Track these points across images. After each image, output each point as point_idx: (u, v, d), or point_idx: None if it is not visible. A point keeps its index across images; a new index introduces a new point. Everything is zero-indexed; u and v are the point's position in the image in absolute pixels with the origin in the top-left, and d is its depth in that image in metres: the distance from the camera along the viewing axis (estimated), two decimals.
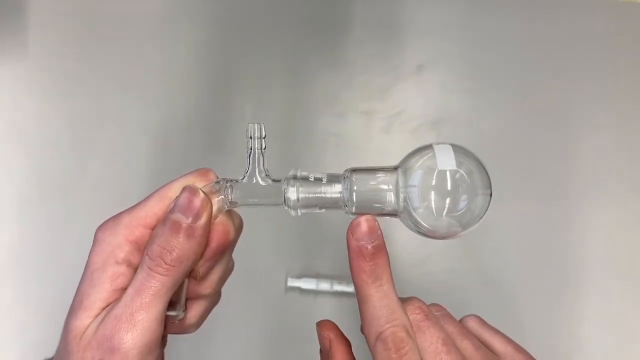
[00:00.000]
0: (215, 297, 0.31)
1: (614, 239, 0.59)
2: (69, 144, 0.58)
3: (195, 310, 0.30)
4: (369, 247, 0.26)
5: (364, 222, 0.26)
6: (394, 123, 0.61)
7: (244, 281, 0.56)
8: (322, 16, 0.63)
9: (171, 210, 0.26)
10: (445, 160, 0.25)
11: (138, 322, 0.24)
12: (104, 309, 0.25)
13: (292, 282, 0.56)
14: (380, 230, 0.26)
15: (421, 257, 0.58)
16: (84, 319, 0.25)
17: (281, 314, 0.57)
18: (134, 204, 0.28)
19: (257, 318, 0.57)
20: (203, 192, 0.26)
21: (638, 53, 0.64)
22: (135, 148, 0.59)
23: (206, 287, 0.29)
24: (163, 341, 0.30)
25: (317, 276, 0.57)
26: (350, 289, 0.56)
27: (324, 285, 0.56)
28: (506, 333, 0.32)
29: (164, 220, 0.26)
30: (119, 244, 0.26)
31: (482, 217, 0.26)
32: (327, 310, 0.57)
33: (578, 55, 0.64)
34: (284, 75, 0.62)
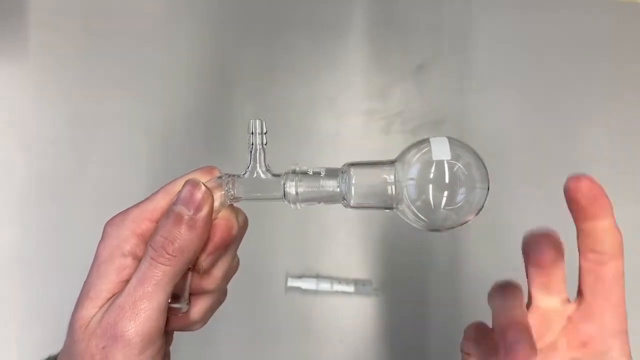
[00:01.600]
0: (220, 295, 0.31)
1: None
2: (69, 144, 0.58)
3: (199, 306, 0.30)
4: None
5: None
6: (394, 123, 0.61)
7: (244, 281, 0.56)
8: (322, 16, 0.63)
9: (174, 203, 0.27)
10: (441, 151, 0.25)
11: (140, 311, 0.25)
12: (109, 299, 0.26)
13: (292, 282, 0.56)
14: None
15: (422, 258, 0.58)
16: (90, 309, 0.26)
17: (281, 314, 0.57)
18: (141, 200, 0.29)
19: (257, 318, 0.57)
20: (205, 185, 0.27)
21: (638, 53, 0.64)
22: (135, 148, 0.59)
23: (210, 283, 0.29)
24: (169, 338, 0.30)
25: (317, 276, 0.57)
26: (350, 289, 0.56)
27: (324, 285, 0.56)
28: None
29: (167, 212, 0.27)
30: (126, 237, 0.27)
31: (479, 209, 0.26)
32: (327, 310, 0.57)
33: (578, 55, 0.64)
34: (284, 75, 0.62)
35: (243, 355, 0.56)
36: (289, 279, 0.56)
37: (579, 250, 0.27)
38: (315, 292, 0.57)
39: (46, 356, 0.30)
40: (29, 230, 0.56)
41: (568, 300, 0.28)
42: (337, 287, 0.56)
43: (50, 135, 0.58)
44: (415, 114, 0.62)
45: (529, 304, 0.29)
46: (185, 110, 0.60)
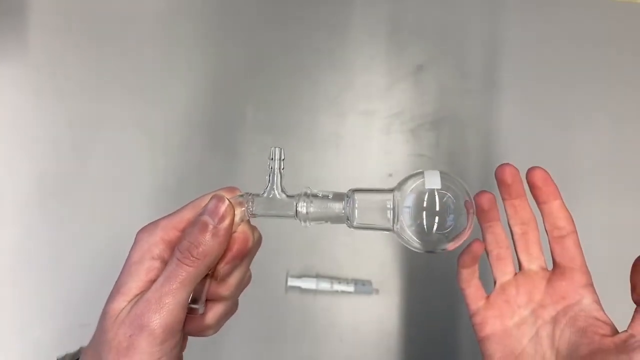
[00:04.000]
0: (233, 305, 0.35)
1: (614, 239, 0.59)
2: (69, 144, 0.58)
3: (214, 311, 0.33)
4: None
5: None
6: (394, 123, 0.61)
7: None
8: (322, 16, 0.63)
9: (201, 213, 0.30)
10: (432, 181, 0.29)
11: (165, 305, 0.28)
12: (137, 295, 0.29)
13: (292, 282, 0.56)
14: None
15: (421, 257, 0.58)
16: (121, 302, 0.29)
17: (281, 314, 0.57)
18: (171, 212, 0.32)
19: (257, 318, 0.57)
20: (229, 200, 0.31)
21: (638, 53, 0.64)
22: (135, 148, 0.59)
23: (225, 289, 0.33)
24: (183, 343, 0.33)
25: (317, 276, 0.57)
26: (350, 288, 0.56)
27: (324, 285, 0.56)
28: None
29: (194, 221, 0.30)
30: (156, 242, 0.31)
31: (468, 233, 0.30)
32: (327, 310, 0.57)
33: (578, 55, 0.64)
34: (284, 75, 0.62)
35: (243, 355, 0.56)
36: (289, 279, 0.56)
37: (546, 231, 0.35)
38: (315, 292, 0.57)
39: (77, 348, 0.32)
40: (30, 230, 0.56)
41: (546, 269, 0.37)
42: (337, 287, 0.56)
43: (51, 135, 0.58)
44: (415, 114, 0.62)
45: (519, 271, 0.37)
46: (185, 110, 0.60)
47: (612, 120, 0.62)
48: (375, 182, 0.60)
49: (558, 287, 0.35)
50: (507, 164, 0.35)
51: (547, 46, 0.64)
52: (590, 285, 0.36)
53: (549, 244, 0.36)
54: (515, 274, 0.37)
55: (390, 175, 0.60)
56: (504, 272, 0.37)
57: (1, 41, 0.60)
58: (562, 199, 0.35)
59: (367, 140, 0.61)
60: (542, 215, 0.36)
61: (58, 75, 0.60)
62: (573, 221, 0.36)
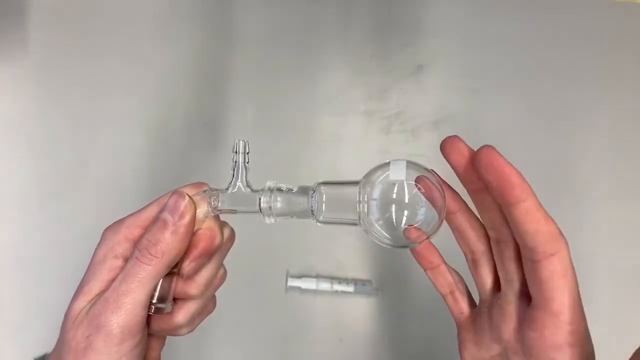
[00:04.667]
0: (207, 303, 0.34)
1: (614, 239, 0.59)
2: (69, 144, 0.58)
3: (184, 311, 0.32)
4: None
5: None
6: (394, 123, 0.61)
7: (244, 281, 0.56)
8: (322, 16, 0.63)
9: (161, 210, 0.30)
10: (397, 172, 0.27)
11: (123, 305, 0.27)
12: (98, 294, 0.29)
13: (292, 282, 0.56)
14: None
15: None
16: (81, 302, 0.29)
17: (281, 314, 0.57)
18: (137, 209, 0.31)
19: (257, 318, 0.57)
20: (189, 196, 0.30)
21: (638, 53, 0.64)
22: (135, 148, 0.59)
23: (193, 288, 0.32)
24: (161, 342, 0.33)
25: (317, 276, 0.57)
26: (350, 288, 0.56)
27: (324, 285, 0.56)
28: None
29: (155, 219, 0.30)
30: (119, 241, 0.30)
31: (437, 228, 0.27)
32: (327, 310, 0.57)
33: (578, 55, 0.64)
34: (284, 75, 0.62)
35: (243, 355, 0.56)
36: (289, 279, 0.56)
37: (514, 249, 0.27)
38: (315, 292, 0.57)
39: (42, 354, 0.32)
40: (29, 229, 0.56)
41: (527, 295, 0.27)
42: (337, 287, 0.56)
43: (51, 135, 0.58)
44: (415, 114, 0.62)
45: (490, 300, 0.30)
46: (185, 110, 0.60)
47: (612, 120, 0.62)
48: None
49: (527, 338, 0.26)
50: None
51: (547, 46, 0.64)
52: (571, 346, 0.25)
53: (523, 268, 0.26)
54: (493, 293, 0.30)
55: None
56: (484, 289, 0.30)
57: (1, 41, 0.60)
58: (535, 197, 0.24)
59: (367, 140, 0.61)
60: (509, 222, 0.26)
61: (58, 75, 0.60)
62: (560, 235, 0.24)
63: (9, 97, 0.59)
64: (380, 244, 0.29)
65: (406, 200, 0.27)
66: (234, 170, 0.31)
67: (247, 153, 0.32)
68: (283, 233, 0.58)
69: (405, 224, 0.27)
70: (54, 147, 0.58)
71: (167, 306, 0.31)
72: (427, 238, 0.28)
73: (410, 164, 0.27)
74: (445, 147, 0.27)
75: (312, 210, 0.29)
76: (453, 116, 0.62)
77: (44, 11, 0.61)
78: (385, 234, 0.27)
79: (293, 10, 0.63)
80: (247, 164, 0.31)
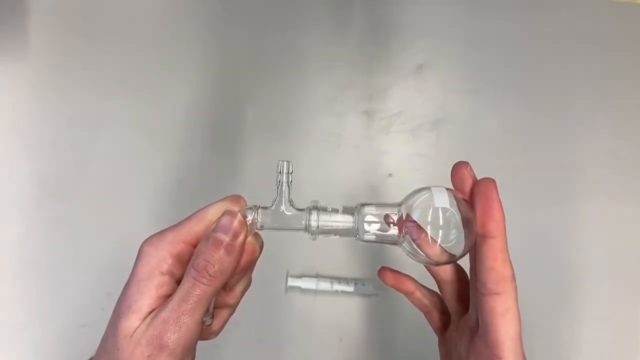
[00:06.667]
0: (235, 308, 0.36)
1: (614, 239, 0.59)
2: (69, 144, 0.58)
3: (220, 318, 0.34)
4: None
5: None
6: (394, 123, 0.61)
7: None
8: (322, 16, 0.63)
9: (214, 230, 0.30)
10: (441, 199, 0.29)
11: (183, 325, 0.28)
12: (150, 312, 0.29)
13: (292, 282, 0.56)
14: None
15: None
16: (134, 321, 0.29)
17: (281, 314, 0.57)
18: (175, 224, 0.32)
19: (257, 318, 0.57)
20: (242, 215, 0.31)
21: (638, 53, 0.64)
22: (135, 148, 0.59)
23: (232, 298, 0.34)
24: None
25: (317, 276, 0.57)
26: (350, 288, 0.56)
27: (324, 285, 0.56)
28: None
29: (207, 238, 0.30)
30: (164, 257, 0.30)
31: (470, 246, 0.30)
32: (327, 310, 0.57)
33: (578, 55, 0.64)
34: (284, 75, 0.62)
35: (243, 355, 0.56)
36: (289, 279, 0.56)
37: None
38: (315, 292, 0.57)
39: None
40: (30, 230, 0.56)
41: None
42: (337, 286, 0.56)
43: (51, 135, 0.58)
44: (415, 114, 0.62)
45: (457, 319, 0.33)
46: (186, 110, 0.60)
47: (612, 120, 0.62)
48: (375, 182, 0.59)
49: None
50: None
51: (547, 46, 0.64)
52: None
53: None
54: (460, 315, 0.33)
55: (390, 175, 0.60)
56: (452, 310, 0.34)
57: (1, 41, 0.60)
58: (504, 239, 0.28)
59: (367, 140, 0.61)
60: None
61: (58, 75, 0.60)
62: (511, 281, 0.28)
63: (9, 97, 0.59)
64: (414, 259, 0.32)
65: (441, 222, 0.29)
66: (277, 189, 0.32)
67: (290, 173, 0.33)
68: (283, 233, 0.57)
69: (440, 244, 0.29)
70: (54, 147, 0.58)
71: (208, 319, 0.32)
72: (462, 255, 0.30)
73: (448, 191, 0.30)
74: (455, 170, 0.31)
75: (356, 229, 0.31)
76: (453, 116, 0.62)
77: (45, 11, 0.61)
78: (422, 252, 0.30)
79: (293, 10, 0.63)
80: (290, 184, 0.33)
